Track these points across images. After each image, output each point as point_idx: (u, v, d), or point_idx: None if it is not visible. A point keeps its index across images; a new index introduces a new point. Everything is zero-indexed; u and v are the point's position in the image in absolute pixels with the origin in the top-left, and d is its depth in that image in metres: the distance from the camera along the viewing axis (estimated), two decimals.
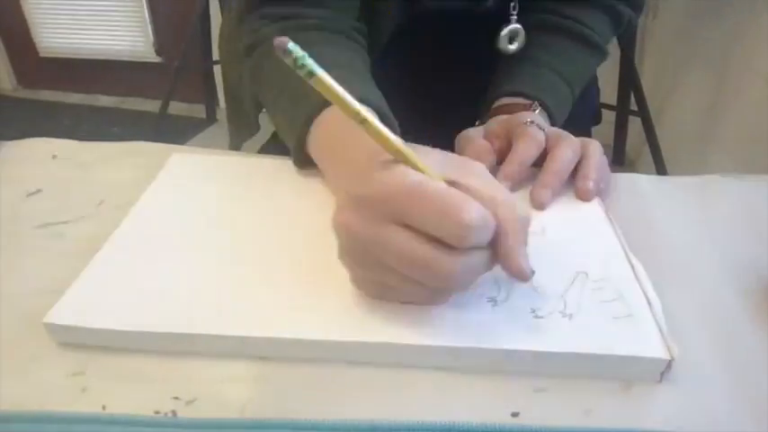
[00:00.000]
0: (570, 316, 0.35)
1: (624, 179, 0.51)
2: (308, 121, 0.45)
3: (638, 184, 0.51)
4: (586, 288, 0.37)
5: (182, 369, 0.34)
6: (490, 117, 0.56)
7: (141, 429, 0.31)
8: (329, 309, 0.36)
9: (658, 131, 1.57)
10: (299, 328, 0.34)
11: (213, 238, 0.42)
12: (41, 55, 2.57)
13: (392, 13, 0.59)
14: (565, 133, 0.48)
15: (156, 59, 2.44)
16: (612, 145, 1.86)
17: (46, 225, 0.46)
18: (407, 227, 0.31)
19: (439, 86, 0.64)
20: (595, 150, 0.47)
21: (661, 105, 1.70)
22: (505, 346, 0.33)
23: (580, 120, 0.72)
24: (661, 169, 1.54)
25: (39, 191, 0.50)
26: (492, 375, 0.34)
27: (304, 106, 0.45)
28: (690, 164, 1.50)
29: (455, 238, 0.30)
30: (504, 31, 0.59)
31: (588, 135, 0.74)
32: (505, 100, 0.57)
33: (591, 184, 0.45)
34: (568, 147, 0.46)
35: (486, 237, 0.31)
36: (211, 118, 2.26)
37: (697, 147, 1.49)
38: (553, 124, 0.56)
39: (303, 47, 0.29)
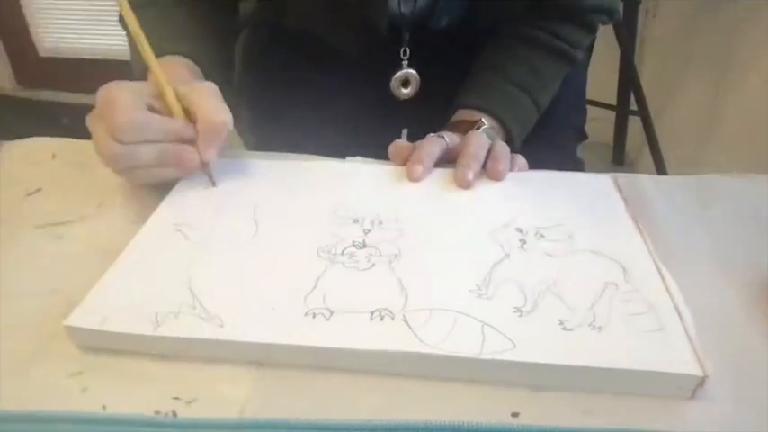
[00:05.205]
0: (599, 329, 0.34)
1: (624, 179, 0.51)
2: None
3: (638, 184, 0.51)
4: (616, 300, 0.36)
5: (182, 369, 0.34)
6: (448, 130, 0.58)
7: (141, 429, 0.31)
8: (343, 317, 0.35)
9: (658, 131, 1.56)
10: (312, 335, 0.34)
11: (233, 244, 0.42)
12: (41, 55, 2.57)
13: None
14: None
15: None
16: (612, 145, 1.86)
17: (46, 225, 0.46)
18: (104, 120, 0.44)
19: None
20: (499, 142, 0.54)
21: (661, 105, 1.70)
22: (533, 360, 0.32)
23: (561, 136, 0.73)
24: (661, 169, 1.54)
25: (39, 191, 0.50)
26: None
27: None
28: (690, 163, 1.50)
29: (111, 133, 0.43)
30: (396, 76, 0.64)
31: (573, 153, 0.75)
32: (461, 114, 0.61)
33: (501, 165, 0.50)
34: (477, 138, 0.53)
35: (148, 136, 0.44)
36: None
37: (697, 146, 1.49)
38: (508, 132, 0.61)
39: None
